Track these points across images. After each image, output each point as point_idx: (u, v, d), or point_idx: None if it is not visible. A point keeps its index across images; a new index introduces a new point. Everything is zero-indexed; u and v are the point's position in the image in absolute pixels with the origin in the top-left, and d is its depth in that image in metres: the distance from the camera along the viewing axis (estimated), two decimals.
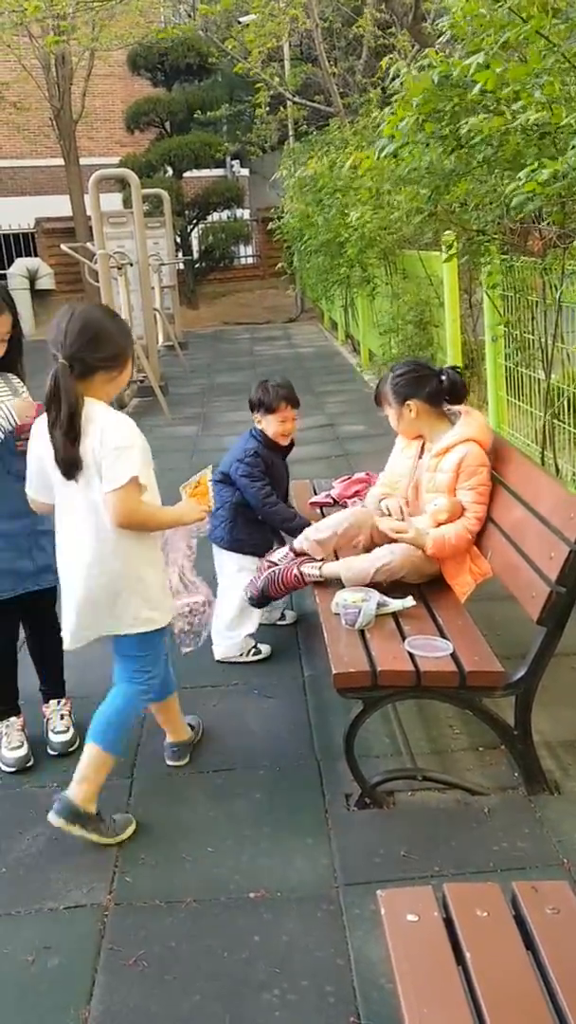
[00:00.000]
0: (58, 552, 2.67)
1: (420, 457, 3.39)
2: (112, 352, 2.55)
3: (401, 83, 3.34)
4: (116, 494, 2.46)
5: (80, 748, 3.11)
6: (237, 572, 3.67)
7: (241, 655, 3.67)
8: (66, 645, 2.71)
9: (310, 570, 3.27)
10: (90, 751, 2.67)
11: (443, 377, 3.29)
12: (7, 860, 2.62)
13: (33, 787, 2.96)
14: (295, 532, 3.58)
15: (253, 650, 3.69)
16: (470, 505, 3.17)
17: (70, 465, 2.49)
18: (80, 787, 2.63)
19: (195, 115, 16.92)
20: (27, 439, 2.68)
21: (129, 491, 2.46)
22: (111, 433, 2.48)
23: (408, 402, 3.27)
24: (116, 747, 2.70)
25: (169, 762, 3.01)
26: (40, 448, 2.59)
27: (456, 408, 3.34)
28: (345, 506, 4.02)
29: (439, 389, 3.28)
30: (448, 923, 1.60)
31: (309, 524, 3.60)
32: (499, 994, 1.46)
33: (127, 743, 2.89)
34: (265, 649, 3.72)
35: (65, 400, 2.45)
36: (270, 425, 3.65)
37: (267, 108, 12.75)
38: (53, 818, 2.61)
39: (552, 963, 1.50)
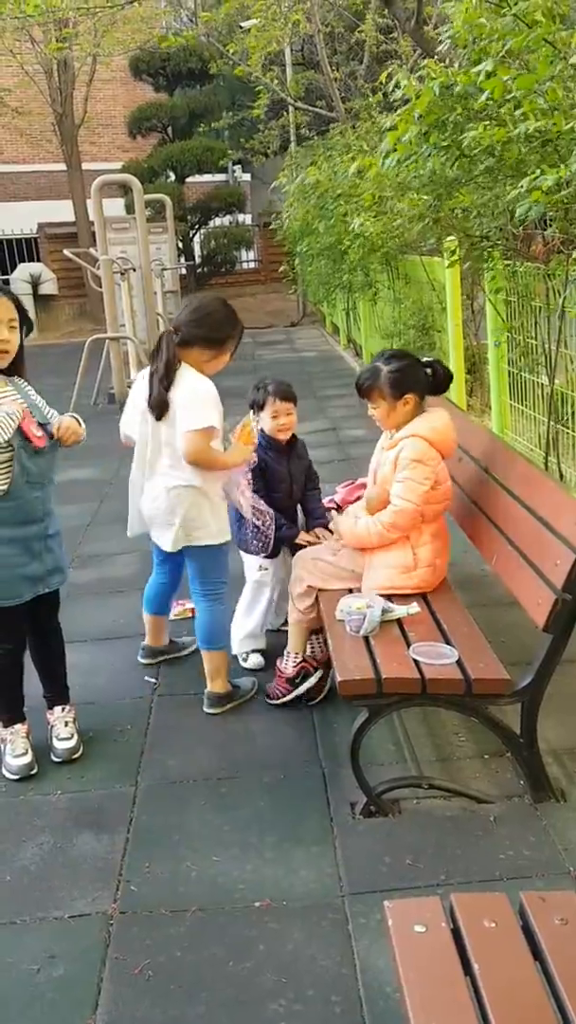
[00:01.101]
0: (134, 472, 3.34)
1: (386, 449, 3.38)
2: (209, 333, 3.16)
3: (403, 93, 3.34)
4: (191, 435, 3.08)
5: (83, 756, 3.12)
6: (246, 570, 3.71)
7: (236, 655, 3.68)
8: (128, 533, 3.48)
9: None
10: (209, 656, 3.36)
11: (429, 370, 3.25)
12: (12, 868, 2.62)
13: (37, 795, 2.96)
14: (284, 540, 3.57)
15: (244, 655, 3.70)
16: (393, 498, 3.13)
17: (159, 407, 3.13)
18: (216, 681, 3.37)
19: (198, 125, 16.98)
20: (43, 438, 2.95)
21: (201, 435, 3.08)
22: (197, 389, 3.12)
23: (406, 395, 3.19)
24: (222, 643, 3.42)
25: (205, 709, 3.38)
26: (137, 394, 3.27)
27: (428, 407, 3.29)
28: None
29: (428, 382, 3.25)
30: (456, 934, 1.60)
31: (296, 534, 3.58)
32: (507, 1005, 1.45)
33: (228, 636, 3.52)
34: (254, 660, 3.69)
35: (163, 355, 3.13)
36: (264, 422, 3.59)
37: (268, 113, 12.76)
38: (210, 709, 3.34)
39: (560, 974, 1.49)
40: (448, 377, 3.31)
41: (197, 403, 3.09)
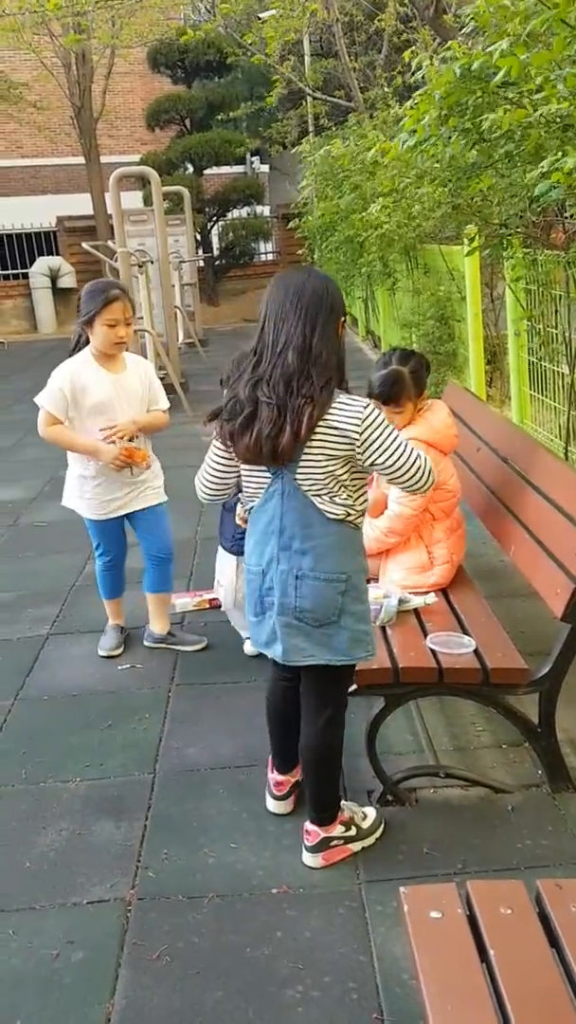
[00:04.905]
0: None
1: None
2: (81, 317, 3.48)
3: (423, 76, 3.31)
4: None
5: (101, 744, 3.14)
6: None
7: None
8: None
9: None
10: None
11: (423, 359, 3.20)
12: (31, 855, 2.64)
13: (56, 783, 2.98)
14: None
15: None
16: (391, 503, 3.10)
17: None
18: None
19: (216, 116, 16.92)
20: None
21: (40, 415, 3.51)
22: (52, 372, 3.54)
23: (423, 392, 3.17)
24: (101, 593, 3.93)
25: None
26: None
27: (428, 401, 3.23)
28: None
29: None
30: (471, 920, 1.59)
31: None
32: (523, 991, 1.45)
33: (107, 590, 3.94)
34: (247, 648, 3.72)
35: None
36: None
37: (286, 102, 12.68)
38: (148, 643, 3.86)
39: None
40: (428, 368, 3.27)
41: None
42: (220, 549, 3.64)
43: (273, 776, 2.72)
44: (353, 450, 2.26)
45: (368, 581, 3.16)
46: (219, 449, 2.41)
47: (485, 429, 3.64)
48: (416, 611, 2.96)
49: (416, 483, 2.35)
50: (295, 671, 2.49)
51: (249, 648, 3.70)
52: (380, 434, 2.26)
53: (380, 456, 2.27)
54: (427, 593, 3.04)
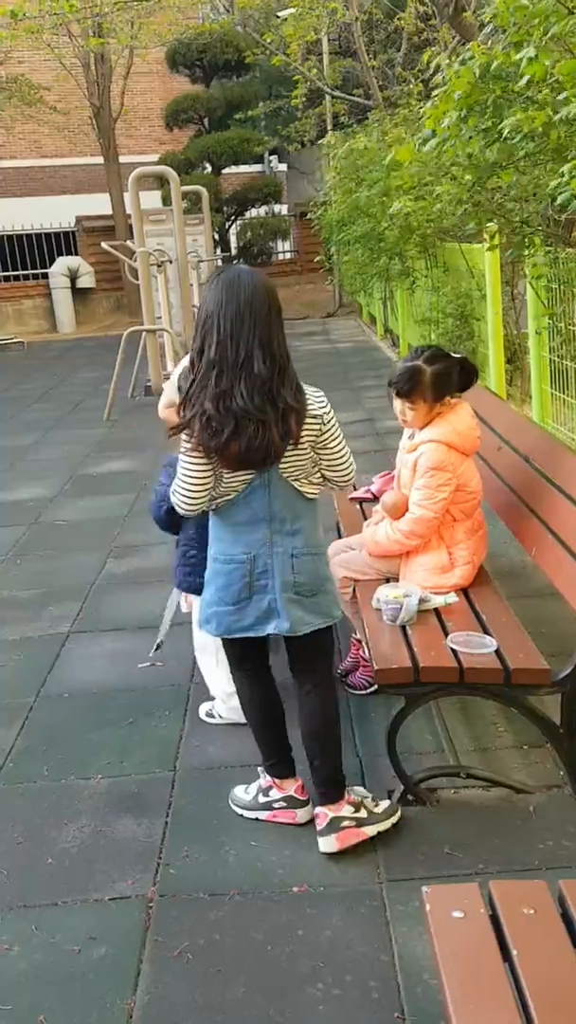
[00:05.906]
0: None
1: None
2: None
3: (443, 76, 3.30)
4: None
5: (122, 741, 3.15)
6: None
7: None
8: None
9: None
10: None
11: (461, 367, 3.11)
12: (53, 851, 2.66)
13: (79, 779, 3.00)
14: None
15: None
16: (412, 506, 3.08)
17: None
18: None
19: (235, 115, 16.95)
20: None
21: (162, 400, 3.07)
22: None
23: (445, 397, 3.10)
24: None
25: None
26: None
27: (452, 400, 3.16)
28: None
29: (456, 380, 3.12)
30: (494, 920, 1.59)
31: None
32: (546, 992, 1.45)
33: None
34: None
35: None
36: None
37: (305, 101, 12.69)
38: None
39: None
40: (474, 375, 3.19)
41: None
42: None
43: (288, 784, 2.70)
44: (320, 429, 2.46)
45: (387, 580, 3.22)
46: (197, 459, 2.37)
47: (505, 428, 3.63)
48: (437, 611, 2.95)
49: (348, 472, 2.58)
50: (255, 659, 2.68)
51: (202, 714, 3.31)
52: (334, 421, 2.52)
53: (333, 440, 2.51)
54: (448, 593, 3.03)
